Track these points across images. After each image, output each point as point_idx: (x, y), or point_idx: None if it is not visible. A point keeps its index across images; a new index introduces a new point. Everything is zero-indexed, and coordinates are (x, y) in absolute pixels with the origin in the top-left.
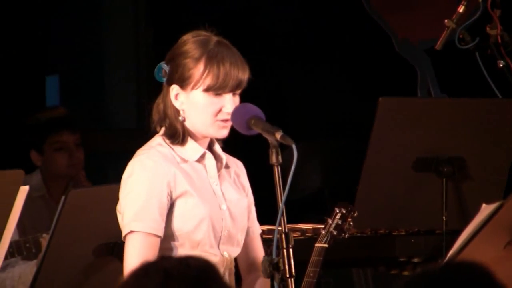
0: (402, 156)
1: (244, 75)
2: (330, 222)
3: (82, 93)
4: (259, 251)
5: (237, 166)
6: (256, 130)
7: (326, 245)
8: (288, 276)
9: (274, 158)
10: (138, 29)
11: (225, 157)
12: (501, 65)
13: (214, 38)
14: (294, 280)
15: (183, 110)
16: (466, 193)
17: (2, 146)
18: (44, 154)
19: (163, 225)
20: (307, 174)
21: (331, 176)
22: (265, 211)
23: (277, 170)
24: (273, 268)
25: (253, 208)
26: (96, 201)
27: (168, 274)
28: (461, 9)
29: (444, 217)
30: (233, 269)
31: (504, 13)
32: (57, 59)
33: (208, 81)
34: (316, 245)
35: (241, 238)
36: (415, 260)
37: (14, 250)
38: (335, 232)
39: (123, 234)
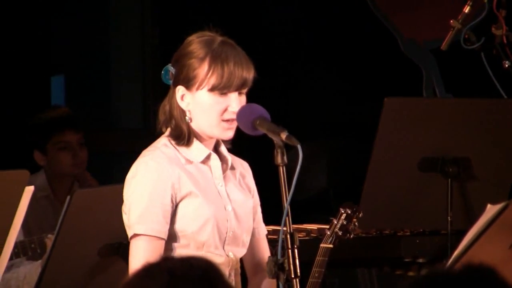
0: (407, 156)
1: (249, 74)
2: (335, 222)
3: (87, 93)
4: (265, 252)
5: (243, 167)
6: (262, 130)
7: (331, 246)
8: (293, 276)
9: (280, 158)
10: (144, 29)
11: (230, 158)
12: (507, 65)
13: (219, 38)
14: (299, 281)
15: (189, 111)
16: (471, 193)
17: (7, 147)
18: (48, 154)
19: (167, 227)
20: (312, 174)
21: (336, 176)
22: (270, 211)
23: (282, 171)
24: (278, 268)
25: (259, 209)
26: (101, 201)
27: (172, 275)
28: (466, 9)
29: (449, 218)
30: (239, 270)
31: (509, 13)
32: (63, 59)
33: (212, 80)
34: (321, 245)
35: (246, 239)
36: (420, 260)
37: (19, 251)
38: (340, 233)
39: (128, 236)
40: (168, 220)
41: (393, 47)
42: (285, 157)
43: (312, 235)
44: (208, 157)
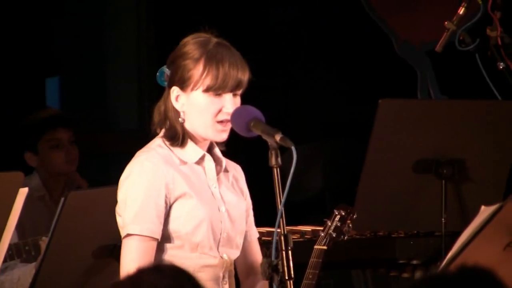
0: (402, 158)
1: (243, 75)
2: (329, 224)
3: (83, 95)
4: (257, 255)
5: (236, 171)
6: (256, 132)
7: (325, 247)
8: (287, 278)
9: (274, 160)
10: (140, 30)
11: (224, 160)
12: (501, 67)
13: (214, 39)
14: (293, 282)
15: (183, 112)
16: (465, 195)
17: (2, 149)
18: (39, 154)
19: (161, 227)
20: (307, 176)
21: (331, 178)
22: (264, 213)
23: (276, 172)
24: (272, 270)
25: (251, 213)
26: (95, 203)
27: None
28: (461, 11)
29: (443, 219)
30: (233, 271)
31: (504, 15)
32: (58, 60)
33: (207, 81)
34: (315, 247)
35: (240, 241)
36: (415, 262)
37: (13, 253)
38: (334, 234)
39: (122, 236)
40: (162, 221)
41: (388, 48)
42: (279, 159)
43: (306, 236)
44: (202, 158)
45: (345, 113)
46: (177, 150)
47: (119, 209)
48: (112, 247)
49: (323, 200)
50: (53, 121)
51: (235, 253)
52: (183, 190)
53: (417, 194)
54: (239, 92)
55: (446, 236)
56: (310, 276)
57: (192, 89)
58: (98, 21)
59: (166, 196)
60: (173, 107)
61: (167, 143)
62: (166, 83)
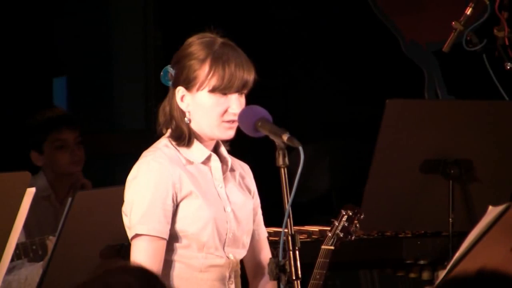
0: (409, 158)
1: (249, 75)
2: (337, 224)
3: (90, 95)
4: (266, 254)
5: (243, 169)
6: (263, 132)
7: (332, 247)
8: (294, 278)
9: (281, 160)
10: (147, 30)
11: (230, 159)
12: (509, 67)
13: (219, 40)
14: (301, 282)
15: (189, 111)
16: (473, 195)
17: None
18: (45, 154)
19: (168, 227)
20: (315, 176)
21: (338, 178)
22: (272, 213)
23: (283, 172)
24: (279, 270)
25: (259, 211)
26: (103, 203)
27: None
28: (468, 11)
29: (450, 219)
30: (239, 271)
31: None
32: (65, 60)
33: (213, 82)
34: (323, 247)
35: (246, 241)
36: (422, 262)
37: (20, 252)
38: (341, 234)
39: (129, 237)
40: (169, 220)
41: (395, 48)
42: (286, 159)
43: (314, 236)
44: (208, 158)
45: (345, 113)
46: (183, 150)
47: (126, 209)
48: (119, 247)
49: (330, 200)
50: (58, 121)
51: (241, 253)
52: (189, 190)
53: (424, 194)
54: (245, 92)
55: (453, 236)
56: (317, 276)
57: (197, 90)
58: (105, 21)
59: (173, 196)
60: (178, 107)
61: (173, 143)
62: (170, 83)
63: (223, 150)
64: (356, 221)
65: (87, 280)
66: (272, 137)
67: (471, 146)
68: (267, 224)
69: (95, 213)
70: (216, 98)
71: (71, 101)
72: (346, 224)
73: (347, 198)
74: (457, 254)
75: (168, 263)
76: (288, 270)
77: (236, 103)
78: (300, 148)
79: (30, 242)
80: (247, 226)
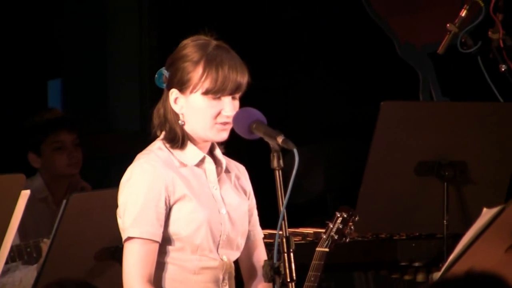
0: (404, 160)
1: (243, 78)
2: (331, 226)
3: (85, 96)
4: (261, 255)
5: (239, 170)
6: (258, 134)
7: (327, 250)
8: (289, 280)
9: (276, 162)
10: (142, 31)
11: (225, 161)
12: (503, 69)
13: (214, 42)
14: (295, 285)
15: (182, 114)
16: (467, 197)
17: (4, 151)
18: (42, 155)
19: (161, 230)
20: (309, 178)
21: (333, 180)
22: (266, 215)
23: (278, 174)
24: (274, 272)
25: (255, 212)
26: (97, 205)
27: None
28: (463, 13)
29: (445, 221)
30: (233, 273)
31: (506, 17)
32: (60, 62)
33: (206, 84)
34: (317, 249)
35: (241, 242)
36: (416, 264)
37: (15, 255)
38: (336, 237)
39: (123, 239)
40: (162, 223)
41: (390, 49)
42: (281, 161)
43: (308, 239)
44: (202, 161)
45: (345, 114)
46: (177, 152)
47: (120, 212)
48: (113, 249)
49: (325, 202)
50: (57, 123)
51: (235, 255)
52: (182, 192)
53: (419, 196)
54: (238, 95)
55: (447, 238)
56: (312, 279)
57: (191, 92)
58: (100, 22)
59: (166, 198)
60: (172, 109)
61: (167, 145)
62: (164, 85)
63: (218, 152)
64: (350, 223)
65: None
66: (266, 139)
67: (466, 148)
68: (262, 226)
69: (90, 215)
70: (209, 100)
71: (66, 103)
72: (340, 226)
73: (342, 200)
74: (452, 256)
75: (161, 265)
76: (283, 272)
77: (229, 105)
78: (295, 150)
79: (24, 245)
80: (242, 228)
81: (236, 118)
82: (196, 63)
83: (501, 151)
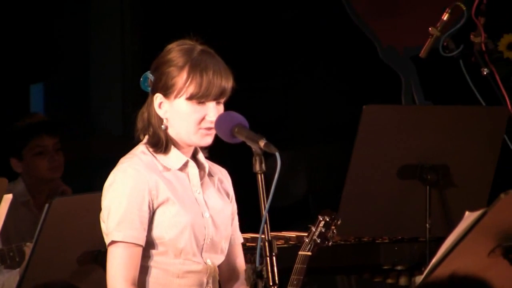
0: (386, 163)
1: (227, 83)
2: (314, 230)
3: (67, 101)
4: (240, 259)
5: (222, 174)
6: (240, 138)
7: (309, 253)
8: (271, 284)
9: (258, 166)
10: (125, 36)
11: (208, 165)
12: (485, 73)
13: (199, 47)
14: None
15: (166, 118)
16: (450, 201)
17: None
18: (24, 160)
19: (145, 234)
20: (292, 181)
21: (315, 183)
22: (249, 219)
23: (260, 178)
24: (256, 276)
25: (236, 217)
26: (80, 209)
27: None
28: (445, 16)
29: (428, 225)
30: (217, 277)
31: (488, 20)
32: (42, 67)
33: (191, 89)
34: (300, 253)
35: (225, 246)
36: (399, 267)
37: None
38: (318, 240)
39: (106, 243)
40: (146, 227)
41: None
42: (263, 165)
43: (291, 242)
44: (185, 165)
45: (328, 119)
46: (160, 156)
47: (103, 216)
48: (96, 253)
49: (307, 206)
50: (38, 128)
51: (219, 258)
52: (166, 196)
53: (402, 199)
54: (223, 100)
55: (430, 242)
56: (295, 282)
57: (175, 97)
58: (83, 27)
59: (149, 202)
60: (156, 114)
61: (151, 149)
62: (149, 89)
63: (200, 156)
64: (333, 227)
65: None
66: (249, 143)
67: (449, 152)
68: (245, 230)
69: (73, 219)
70: (194, 105)
71: (49, 108)
72: (323, 230)
73: (324, 204)
74: (434, 260)
75: (144, 269)
76: (265, 276)
77: (213, 111)
78: (277, 154)
79: (7, 249)
80: (226, 232)
81: (218, 122)
82: (181, 68)
83: (483, 155)
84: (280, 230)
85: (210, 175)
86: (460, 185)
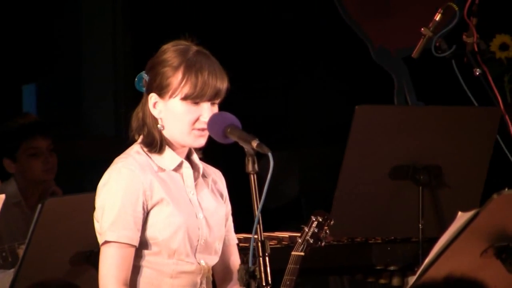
0: (379, 164)
1: (222, 84)
2: (307, 230)
3: (59, 101)
4: (235, 260)
5: (216, 175)
6: (233, 138)
7: (302, 253)
8: (264, 284)
9: (250, 166)
10: (116, 37)
11: (202, 166)
12: (478, 73)
13: (194, 48)
14: None
15: (161, 118)
16: (442, 201)
17: None
18: (18, 161)
19: (138, 234)
20: (284, 182)
21: (308, 184)
22: (242, 219)
23: (253, 179)
24: (249, 276)
25: (230, 217)
26: (72, 210)
27: None
28: (437, 17)
29: (420, 225)
30: (211, 278)
31: (480, 21)
32: (34, 67)
33: (186, 89)
34: (293, 253)
35: (218, 247)
36: (392, 268)
37: None
38: (311, 241)
39: (99, 243)
40: (140, 227)
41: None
42: (256, 165)
43: (284, 243)
44: (180, 165)
45: (321, 120)
46: (155, 156)
47: (97, 215)
48: (88, 253)
49: (300, 206)
50: (32, 129)
51: (213, 259)
52: (160, 197)
53: (394, 200)
54: (217, 101)
55: (423, 242)
56: (288, 283)
57: (170, 97)
58: (74, 28)
59: (143, 203)
60: (151, 114)
61: (145, 149)
62: (144, 89)
63: (195, 157)
64: (326, 227)
65: None
66: (241, 143)
67: (441, 152)
68: (238, 230)
69: (65, 220)
70: (188, 106)
71: (41, 108)
72: (316, 230)
73: (317, 204)
74: (427, 260)
75: (137, 269)
76: (258, 276)
77: (208, 111)
78: (270, 154)
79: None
80: (219, 232)
81: (211, 122)
82: (176, 68)
83: (475, 155)
84: (273, 231)
85: (204, 176)
86: (453, 185)
